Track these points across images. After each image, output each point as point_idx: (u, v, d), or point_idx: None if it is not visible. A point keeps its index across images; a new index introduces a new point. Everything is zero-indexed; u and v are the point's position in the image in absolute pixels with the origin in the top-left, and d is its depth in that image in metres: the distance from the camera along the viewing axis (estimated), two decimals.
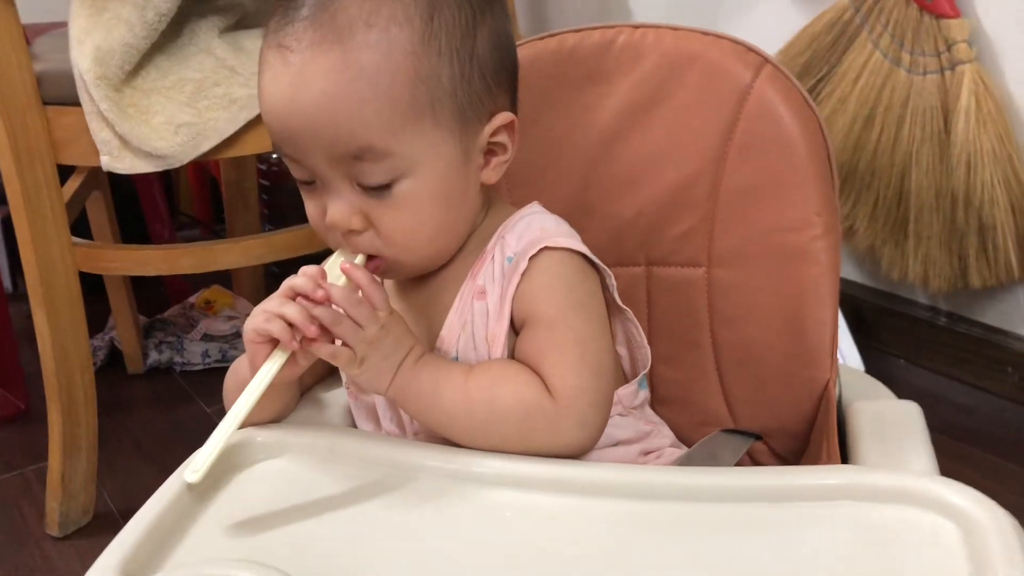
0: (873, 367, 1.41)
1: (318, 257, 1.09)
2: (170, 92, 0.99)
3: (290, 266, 1.79)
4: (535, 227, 0.67)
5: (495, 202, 0.71)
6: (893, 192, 1.35)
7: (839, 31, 1.38)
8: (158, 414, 1.49)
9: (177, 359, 1.59)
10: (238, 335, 1.61)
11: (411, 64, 0.60)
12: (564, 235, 0.67)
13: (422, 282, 0.69)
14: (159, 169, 1.01)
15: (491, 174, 0.66)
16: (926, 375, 1.44)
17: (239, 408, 0.59)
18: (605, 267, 0.68)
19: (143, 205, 1.76)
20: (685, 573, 0.53)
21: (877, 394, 0.76)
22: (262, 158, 1.82)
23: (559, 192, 0.78)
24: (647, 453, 0.72)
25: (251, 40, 1.05)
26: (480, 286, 0.66)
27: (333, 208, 0.62)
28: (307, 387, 0.75)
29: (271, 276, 1.88)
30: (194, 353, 1.59)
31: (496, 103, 0.65)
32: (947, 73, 1.28)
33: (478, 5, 0.63)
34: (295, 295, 0.60)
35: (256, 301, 1.69)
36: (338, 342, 0.61)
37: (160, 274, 1.16)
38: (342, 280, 0.62)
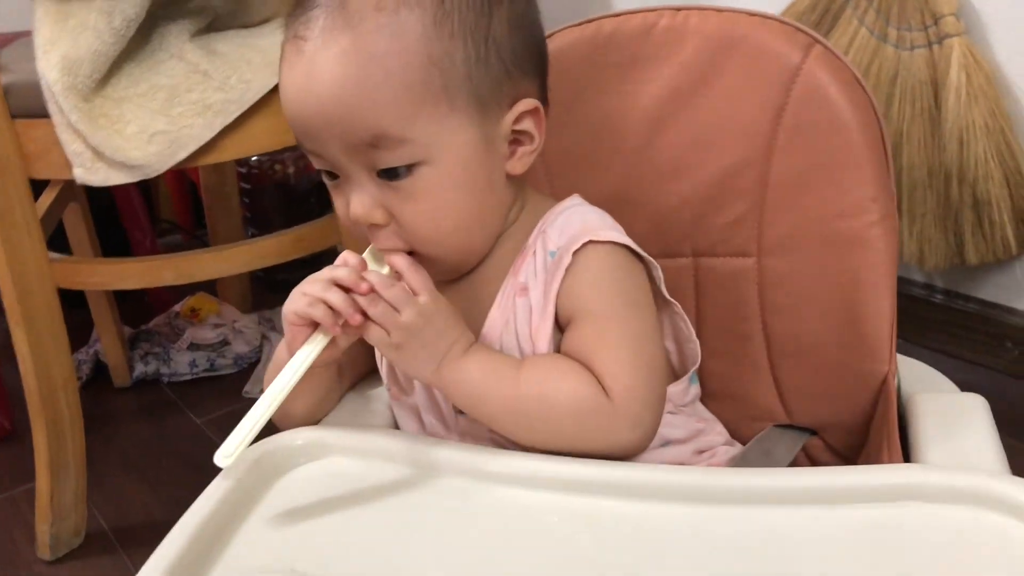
0: None
1: (306, 261, 1.07)
2: (142, 100, 0.96)
3: (276, 270, 1.76)
4: (576, 220, 0.66)
5: (533, 196, 0.69)
6: None
7: (823, 8, 1.36)
8: (147, 427, 1.46)
9: (164, 370, 1.56)
10: (225, 343, 1.59)
11: (423, 47, 0.59)
12: (608, 228, 0.65)
13: (463, 280, 0.68)
14: (135, 180, 0.98)
15: (517, 164, 0.65)
16: (924, 353, 1.41)
17: (276, 388, 0.59)
18: (652, 259, 0.66)
19: (122, 214, 1.72)
20: None
21: (939, 386, 0.73)
22: (242, 162, 1.79)
23: (600, 183, 0.75)
24: (700, 452, 0.71)
25: (224, 43, 1.02)
26: (522, 283, 0.65)
27: (355, 201, 0.61)
28: (348, 386, 0.74)
29: (257, 281, 1.85)
30: (181, 363, 1.56)
31: (518, 89, 0.63)
32: (935, 47, 1.26)
33: None
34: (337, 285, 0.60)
35: (242, 307, 1.68)
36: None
37: (142, 287, 1.13)
38: (385, 269, 0.62)
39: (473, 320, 0.66)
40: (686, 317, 0.70)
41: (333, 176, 0.63)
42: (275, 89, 1.01)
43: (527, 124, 0.64)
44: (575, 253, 0.63)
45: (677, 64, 0.74)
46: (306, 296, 0.60)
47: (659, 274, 0.67)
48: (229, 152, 1.01)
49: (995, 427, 0.64)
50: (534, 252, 0.65)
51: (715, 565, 0.53)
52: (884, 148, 0.71)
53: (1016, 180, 1.24)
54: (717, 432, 0.73)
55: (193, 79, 0.98)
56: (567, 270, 0.63)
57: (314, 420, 0.69)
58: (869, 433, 0.71)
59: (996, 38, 1.25)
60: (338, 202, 0.64)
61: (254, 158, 1.78)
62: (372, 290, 0.59)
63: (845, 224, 0.70)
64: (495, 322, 0.65)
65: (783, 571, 0.52)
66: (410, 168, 0.60)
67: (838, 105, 0.70)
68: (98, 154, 0.96)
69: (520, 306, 0.65)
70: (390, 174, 0.60)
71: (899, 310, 1.46)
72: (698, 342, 0.70)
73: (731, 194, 0.74)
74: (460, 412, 0.66)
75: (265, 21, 1.08)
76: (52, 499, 1.12)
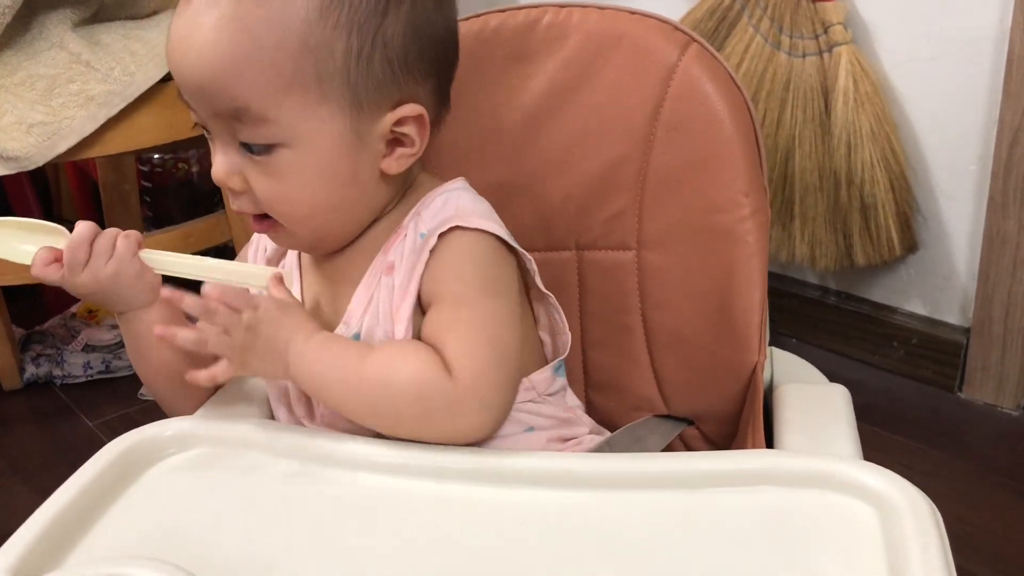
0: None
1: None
2: (19, 90, 0.94)
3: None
4: (451, 205, 0.65)
5: (427, 180, 0.69)
6: (778, 174, 1.36)
7: (720, 16, 1.39)
8: (36, 431, 1.41)
9: (57, 372, 1.51)
10: (121, 344, 1.55)
11: (302, 30, 0.58)
12: (480, 215, 0.64)
13: (334, 257, 0.68)
14: (12, 171, 0.95)
15: (393, 164, 0.64)
16: (817, 352, 1.47)
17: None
18: (524, 251, 0.66)
19: (14, 211, 1.67)
20: (602, 562, 0.52)
21: (808, 378, 0.75)
22: (143, 159, 1.75)
23: (486, 175, 0.75)
24: (565, 440, 0.71)
25: (108, 34, 1.00)
26: (390, 261, 0.65)
27: (217, 163, 0.62)
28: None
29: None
30: (75, 365, 1.51)
31: (403, 92, 0.62)
32: (825, 55, 1.30)
33: None
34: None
35: None
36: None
37: (25, 283, 1.09)
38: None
39: (341, 295, 0.66)
40: (560, 309, 0.70)
41: (205, 129, 0.63)
42: (162, 81, 1.00)
43: (408, 128, 0.63)
44: (441, 236, 0.63)
45: (561, 59, 0.75)
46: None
47: (533, 267, 0.67)
48: (112, 145, 0.99)
49: (852, 415, 0.66)
50: (406, 233, 0.65)
51: (574, 548, 0.53)
52: (757, 145, 0.72)
53: (900, 184, 1.28)
54: (584, 422, 0.74)
55: (75, 69, 0.96)
56: (431, 253, 0.63)
57: None
58: (740, 422, 0.72)
59: (882, 47, 1.29)
60: (213, 157, 0.64)
61: (156, 156, 1.74)
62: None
63: (719, 218, 0.71)
64: (360, 299, 0.65)
65: (641, 553, 0.53)
66: (269, 147, 0.60)
67: (713, 102, 0.71)
68: None
69: (385, 284, 0.65)
70: (250, 147, 0.60)
71: (794, 311, 1.50)
72: (570, 334, 0.71)
73: (612, 189, 0.75)
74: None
75: (153, 13, 1.06)
76: None
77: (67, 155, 0.97)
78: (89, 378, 1.51)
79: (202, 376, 0.61)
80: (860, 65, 1.27)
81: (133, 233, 0.65)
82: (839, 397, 0.68)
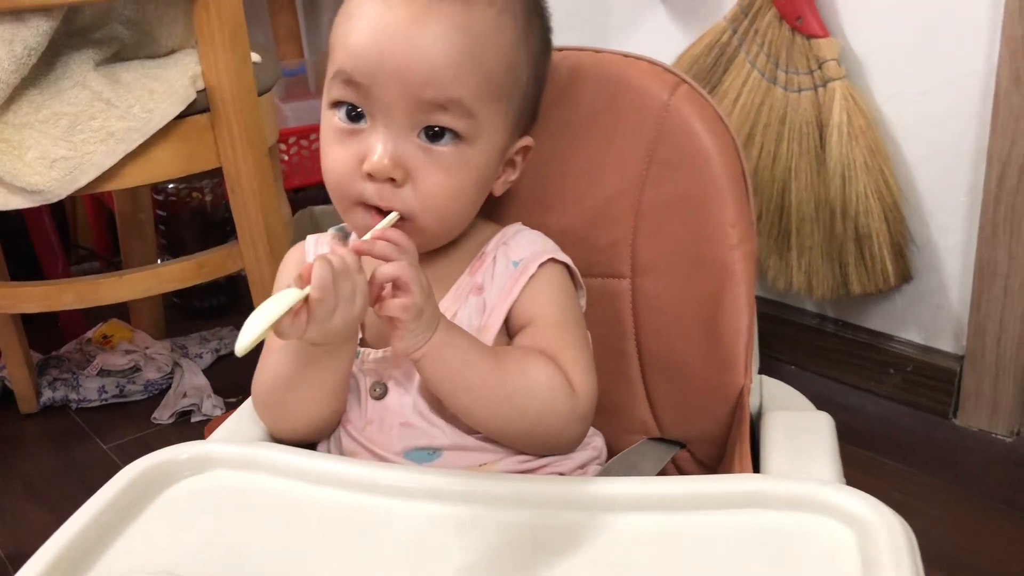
0: (765, 373, 1.46)
1: (220, 288, 1.07)
2: (44, 127, 0.98)
3: (190, 297, 1.76)
4: (538, 239, 0.73)
5: (480, 215, 0.74)
6: (775, 206, 1.40)
7: (718, 52, 1.43)
8: (51, 454, 1.45)
9: (72, 396, 1.55)
10: (136, 369, 1.58)
11: (512, 50, 0.67)
12: (561, 253, 0.73)
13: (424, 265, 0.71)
14: (35, 204, 0.99)
15: (499, 186, 0.72)
16: (816, 379, 1.49)
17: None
18: (583, 287, 0.75)
19: (34, 240, 1.71)
20: None
21: (796, 405, 0.78)
22: (158, 189, 1.79)
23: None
24: (581, 467, 0.74)
25: (129, 72, 1.04)
26: (478, 283, 0.71)
27: (383, 151, 0.63)
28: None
29: (171, 308, 1.85)
30: (90, 389, 1.55)
31: (528, 123, 0.73)
32: (820, 90, 1.34)
33: (548, 40, 0.73)
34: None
35: (155, 334, 1.68)
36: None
37: (42, 311, 1.13)
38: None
39: None
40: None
41: (356, 119, 0.65)
42: (178, 118, 1.04)
43: (519, 157, 0.72)
44: (540, 266, 0.70)
45: (564, 102, 0.79)
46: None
47: (583, 302, 0.75)
48: (131, 179, 1.03)
49: (835, 441, 0.69)
50: (494, 259, 0.71)
51: (570, 568, 0.56)
52: (744, 179, 0.76)
53: (894, 215, 1.31)
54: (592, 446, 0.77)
55: (96, 107, 1.00)
56: (530, 279, 0.70)
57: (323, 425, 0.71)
58: (727, 445, 0.75)
59: (875, 82, 1.33)
60: (343, 152, 0.65)
61: (171, 186, 1.79)
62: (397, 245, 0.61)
63: (707, 248, 0.75)
64: (446, 311, 0.69)
65: (630, 571, 0.55)
66: (456, 137, 0.65)
67: (702, 139, 0.75)
68: None
69: (473, 303, 0.70)
70: (437, 135, 0.65)
71: (793, 339, 1.53)
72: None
73: (608, 220, 0.79)
74: (376, 398, 0.69)
75: (171, 52, 1.10)
76: None
77: (87, 188, 1.01)
78: (104, 402, 1.55)
79: (395, 305, 0.60)
80: (854, 100, 1.31)
81: (355, 258, 0.61)
82: (823, 424, 0.71)
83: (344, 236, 0.76)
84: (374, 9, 0.64)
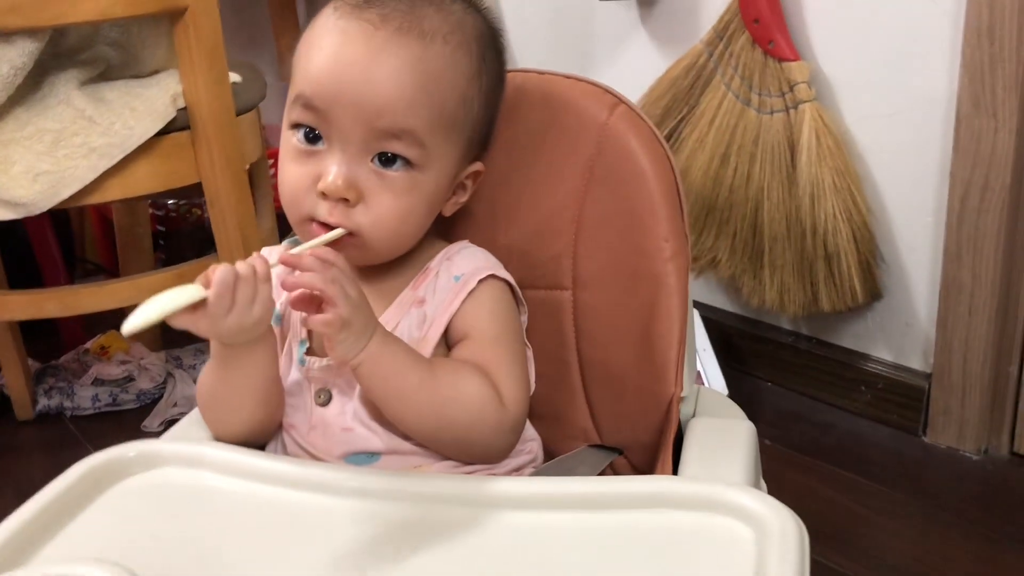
0: (741, 390, 1.48)
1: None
2: (28, 143, 1.03)
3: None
4: (480, 256, 0.77)
5: (430, 233, 0.78)
6: (749, 225, 1.43)
7: (695, 75, 1.47)
8: (44, 460, 1.49)
9: (67, 404, 1.59)
10: (129, 379, 1.63)
11: (466, 85, 0.71)
12: (503, 269, 0.76)
13: (364, 281, 0.73)
14: (19, 216, 1.04)
15: (448, 207, 0.76)
16: (791, 396, 1.51)
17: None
18: (524, 303, 0.78)
19: (36, 253, 1.77)
20: None
21: (728, 413, 0.81)
22: (158, 204, 1.85)
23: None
24: (516, 471, 0.77)
25: (112, 91, 1.09)
26: (420, 296, 0.74)
27: (337, 172, 0.67)
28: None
29: None
30: (84, 398, 1.60)
31: (479, 150, 0.77)
32: (791, 112, 1.37)
33: (502, 73, 0.77)
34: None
35: (153, 346, 1.72)
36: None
37: (27, 318, 1.18)
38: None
39: None
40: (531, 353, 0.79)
41: (313, 140, 0.69)
42: (158, 135, 1.09)
43: (468, 181, 0.76)
44: (480, 281, 0.73)
45: (512, 121, 0.82)
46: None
47: (525, 318, 0.79)
48: (113, 193, 1.08)
49: (752, 448, 0.72)
50: (437, 273, 0.75)
51: (480, 565, 0.59)
52: (678, 193, 0.79)
53: (863, 235, 1.34)
54: (527, 451, 0.80)
55: (79, 124, 1.05)
56: (470, 293, 0.73)
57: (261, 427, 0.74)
58: (658, 451, 0.78)
59: (844, 104, 1.36)
60: (298, 171, 0.69)
61: (170, 202, 1.84)
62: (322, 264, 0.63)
63: (642, 261, 0.78)
64: (387, 322, 0.72)
65: (535, 567, 0.58)
66: (408, 164, 0.69)
67: (637, 156, 0.79)
68: None
69: (414, 315, 0.73)
70: (389, 161, 0.68)
71: (769, 356, 1.56)
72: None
73: (551, 234, 0.82)
74: (321, 404, 0.73)
75: (154, 72, 1.15)
76: None
77: (69, 201, 1.05)
78: (97, 410, 1.59)
79: (317, 320, 0.63)
80: (823, 121, 1.34)
81: (262, 265, 0.65)
82: (742, 431, 0.74)
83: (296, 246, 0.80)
84: (335, 40, 0.68)
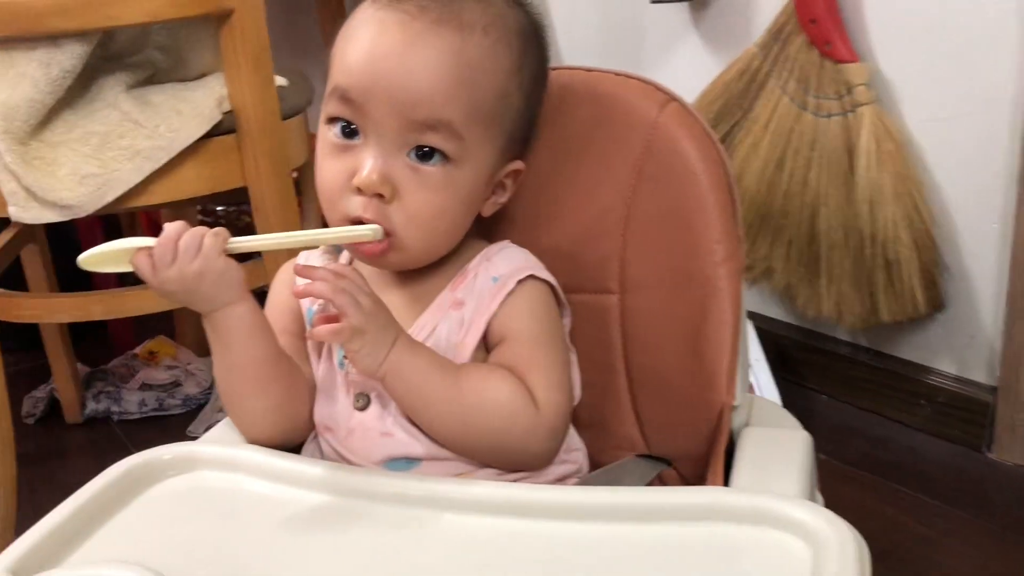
0: (796, 402, 1.44)
1: None
2: (76, 145, 1.03)
3: None
4: (519, 256, 0.74)
5: (469, 235, 0.76)
6: (805, 232, 1.38)
7: (749, 78, 1.43)
8: (90, 463, 1.49)
9: (115, 408, 1.61)
10: (176, 384, 1.64)
11: (504, 79, 0.69)
12: (544, 270, 0.74)
13: (402, 281, 0.74)
14: (65, 218, 1.04)
15: (488, 207, 0.74)
16: (847, 409, 1.46)
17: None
18: (567, 305, 0.75)
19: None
20: None
21: (782, 423, 0.78)
22: (207, 211, 1.86)
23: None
24: (560, 480, 0.74)
25: (159, 95, 1.09)
26: (459, 298, 0.72)
27: (373, 167, 0.66)
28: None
29: None
30: (131, 402, 1.61)
31: (520, 149, 0.74)
32: (849, 115, 1.32)
33: (545, 70, 0.75)
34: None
35: (199, 351, 1.73)
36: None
37: (73, 321, 1.19)
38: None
39: (400, 321, 0.71)
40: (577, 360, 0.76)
41: (350, 135, 0.68)
42: (204, 138, 1.09)
43: (508, 180, 0.74)
44: (519, 282, 0.71)
45: (558, 119, 0.80)
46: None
47: (568, 321, 0.76)
48: (158, 196, 1.07)
49: (807, 459, 0.68)
50: (475, 275, 0.72)
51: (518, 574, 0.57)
52: (730, 194, 0.76)
53: (925, 242, 1.29)
54: (572, 460, 0.77)
55: (125, 126, 1.05)
56: (508, 294, 0.71)
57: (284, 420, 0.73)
58: (709, 462, 0.75)
59: (905, 107, 1.31)
60: (335, 167, 0.68)
61: (220, 208, 1.85)
62: (336, 275, 0.63)
63: (693, 264, 0.75)
64: (423, 326, 0.71)
65: None
66: (445, 158, 0.67)
67: (689, 155, 0.76)
68: (31, 194, 1.03)
69: (452, 317, 0.71)
70: (426, 155, 0.67)
71: (824, 368, 1.51)
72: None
73: (598, 236, 0.79)
74: (360, 409, 0.71)
75: (201, 76, 1.15)
76: None
77: (115, 204, 1.05)
78: (143, 415, 1.60)
79: (324, 331, 0.63)
80: (883, 124, 1.29)
81: (222, 231, 0.66)
82: (798, 441, 0.71)
83: (336, 251, 0.79)
84: (372, 31, 0.67)
